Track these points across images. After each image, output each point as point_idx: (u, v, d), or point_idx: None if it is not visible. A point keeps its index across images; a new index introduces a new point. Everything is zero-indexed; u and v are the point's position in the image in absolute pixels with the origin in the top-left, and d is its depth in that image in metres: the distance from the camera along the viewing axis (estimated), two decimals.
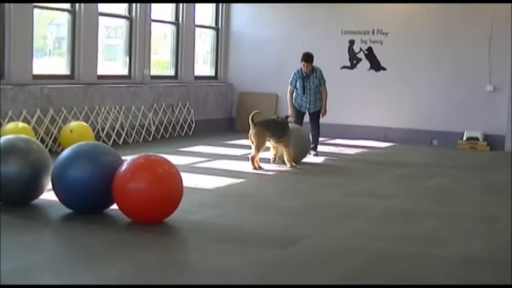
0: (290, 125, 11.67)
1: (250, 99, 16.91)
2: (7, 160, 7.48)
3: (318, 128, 12.88)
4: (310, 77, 12.69)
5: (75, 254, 6.16)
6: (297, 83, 12.74)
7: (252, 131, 11.07)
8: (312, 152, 12.65)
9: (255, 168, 10.98)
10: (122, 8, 14.32)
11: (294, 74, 12.78)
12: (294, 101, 12.82)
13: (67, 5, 12.89)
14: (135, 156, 7.40)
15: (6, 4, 11.54)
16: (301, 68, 12.71)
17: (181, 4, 15.56)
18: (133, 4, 14.24)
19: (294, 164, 11.35)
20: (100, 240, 6.55)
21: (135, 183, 6.99)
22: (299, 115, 12.83)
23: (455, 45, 15.06)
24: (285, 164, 11.31)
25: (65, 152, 7.47)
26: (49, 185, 7.61)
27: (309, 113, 12.84)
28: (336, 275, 5.77)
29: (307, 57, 12.60)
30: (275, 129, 11.27)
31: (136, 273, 5.60)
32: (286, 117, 11.85)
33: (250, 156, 11.09)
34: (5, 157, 7.49)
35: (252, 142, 11.09)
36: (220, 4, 16.97)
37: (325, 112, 12.83)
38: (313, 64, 12.69)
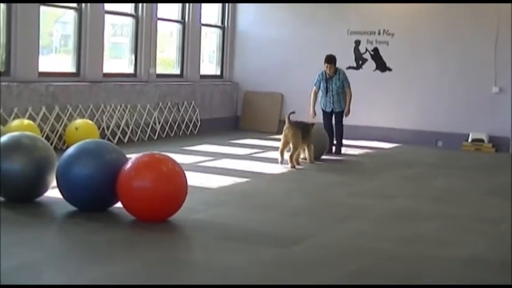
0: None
1: (256, 98, 16.92)
2: (12, 157, 7.50)
3: (341, 128, 13.25)
4: (333, 78, 13.07)
5: (79, 252, 6.17)
6: (321, 84, 13.09)
7: (289, 132, 11.40)
8: (334, 150, 13.09)
9: (293, 166, 11.25)
10: (128, 6, 14.33)
11: (318, 75, 13.18)
12: (320, 101, 13.16)
13: (73, 3, 12.89)
14: (140, 154, 7.41)
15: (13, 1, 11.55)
16: (325, 70, 13.04)
17: (187, 3, 15.57)
18: (140, 2, 14.23)
19: (313, 160, 11.86)
20: (104, 238, 6.56)
21: (139, 181, 7.00)
22: (325, 115, 13.25)
23: (461, 47, 15.05)
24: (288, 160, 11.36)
25: (70, 150, 7.49)
26: (54, 182, 7.63)
27: (334, 113, 13.19)
28: (340, 274, 5.77)
29: (330, 60, 13.00)
30: (304, 131, 11.61)
31: (141, 272, 5.61)
32: (312, 124, 12.03)
33: (289, 155, 11.33)
34: (10, 154, 7.50)
35: (287, 140, 11.40)
36: (227, 3, 16.97)
37: (349, 113, 13.18)
38: (336, 66, 13.07)
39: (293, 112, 11.70)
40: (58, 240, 6.76)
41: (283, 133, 11.51)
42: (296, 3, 16.33)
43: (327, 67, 12.99)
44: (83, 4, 12.86)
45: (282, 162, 11.45)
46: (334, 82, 13.01)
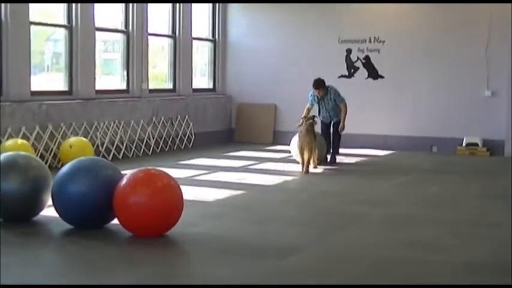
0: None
1: (249, 110, 16.94)
2: (7, 177, 7.49)
3: (338, 138, 13.29)
4: (325, 99, 13.14)
5: (77, 270, 6.15)
6: (314, 103, 13.19)
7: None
8: (329, 159, 13.09)
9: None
10: (118, 23, 14.34)
11: (310, 95, 13.22)
12: (317, 112, 13.27)
13: (63, 21, 12.90)
14: (135, 170, 7.40)
15: (3, 20, 11.56)
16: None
17: (177, 17, 15.59)
18: (130, 18, 14.26)
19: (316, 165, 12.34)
20: (102, 255, 6.54)
21: (135, 197, 6.99)
22: (323, 124, 13.39)
23: (453, 51, 15.09)
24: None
25: (65, 168, 7.48)
26: (49, 201, 7.61)
27: (332, 123, 13.30)
28: (339, 283, 5.75)
29: (317, 85, 13.05)
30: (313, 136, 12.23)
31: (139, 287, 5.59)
32: (313, 117, 12.47)
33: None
34: (5, 174, 7.50)
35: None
36: (217, 15, 17.00)
37: (343, 129, 13.22)
38: (326, 85, 13.09)
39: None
40: (55, 259, 6.73)
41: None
42: (287, 13, 16.37)
43: (316, 92, 13.04)
44: (73, 22, 12.86)
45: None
46: (327, 102, 13.11)
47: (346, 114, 13.09)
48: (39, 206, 7.71)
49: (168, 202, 7.10)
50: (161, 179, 7.24)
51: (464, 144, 14.81)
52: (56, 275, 6.01)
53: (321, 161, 12.72)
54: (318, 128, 12.89)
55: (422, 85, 15.39)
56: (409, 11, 15.41)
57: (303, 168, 11.92)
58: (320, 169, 12.33)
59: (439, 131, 15.17)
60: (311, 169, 12.06)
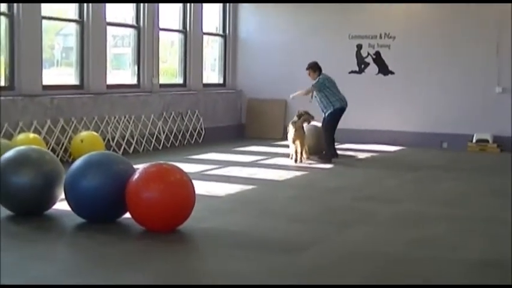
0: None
1: (260, 105, 16.95)
2: (20, 171, 7.54)
3: (326, 135, 12.93)
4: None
5: (90, 265, 6.18)
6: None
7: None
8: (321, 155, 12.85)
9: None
10: (129, 17, 14.38)
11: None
12: None
13: (75, 15, 12.95)
14: (147, 164, 7.43)
15: (16, 15, 11.61)
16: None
17: (188, 12, 15.62)
18: (141, 13, 14.29)
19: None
20: (114, 250, 6.58)
21: (147, 192, 7.02)
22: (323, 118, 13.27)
23: (463, 47, 15.07)
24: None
25: (78, 162, 7.52)
26: (62, 195, 7.66)
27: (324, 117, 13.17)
28: (350, 280, 5.78)
29: (308, 66, 13.16)
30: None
31: (151, 283, 5.62)
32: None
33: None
34: (18, 168, 7.55)
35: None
36: (228, 10, 17.02)
37: (295, 96, 13.30)
38: (323, 72, 13.05)
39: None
40: (69, 253, 6.77)
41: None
42: (297, 9, 16.37)
43: (308, 74, 13.12)
44: (85, 16, 12.91)
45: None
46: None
47: (304, 93, 13.14)
48: (52, 200, 7.76)
49: (180, 197, 7.13)
50: (173, 173, 7.27)
51: (474, 141, 14.79)
52: (68, 269, 6.04)
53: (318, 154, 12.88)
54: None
55: (433, 81, 15.37)
56: (420, 8, 15.39)
57: (293, 157, 12.57)
58: (324, 167, 12.34)
59: (450, 127, 15.15)
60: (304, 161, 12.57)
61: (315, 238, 7.14)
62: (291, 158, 12.64)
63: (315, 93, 13.00)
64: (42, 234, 7.12)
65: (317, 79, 12.95)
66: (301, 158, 12.55)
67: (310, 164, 12.43)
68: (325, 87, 12.87)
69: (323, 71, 13.09)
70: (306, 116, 12.80)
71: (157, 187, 7.05)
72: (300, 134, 12.57)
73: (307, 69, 13.13)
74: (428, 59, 15.39)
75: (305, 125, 12.86)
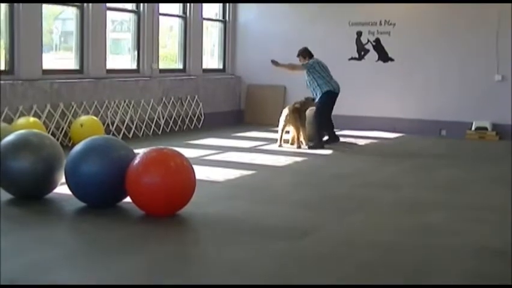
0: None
1: (259, 91, 16.95)
2: (20, 155, 7.55)
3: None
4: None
5: (90, 249, 6.21)
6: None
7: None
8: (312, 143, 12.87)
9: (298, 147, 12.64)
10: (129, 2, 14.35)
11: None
12: None
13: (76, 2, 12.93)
14: (148, 149, 7.44)
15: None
16: None
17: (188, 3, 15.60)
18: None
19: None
20: (113, 233, 6.60)
21: (148, 176, 7.03)
22: None
23: (463, 35, 15.05)
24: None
25: (78, 146, 7.52)
26: (62, 179, 7.67)
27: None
28: (350, 266, 5.80)
29: (298, 53, 13.25)
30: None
31: (150, 266, 5.65)
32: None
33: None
34: (18, 152, 7.56)
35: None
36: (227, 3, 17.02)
37: (275, 63, 13.31)
38: (315, 57, 13.07)
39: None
40: (69, 237, 6.80)
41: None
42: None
43: (299, 60, 13.16)
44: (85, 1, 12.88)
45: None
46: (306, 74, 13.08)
47: (289, 67, 13.30)
48: (52, 184, 7.77)
49: (181, 182, 7.14)
50: (174, 158, 7.28)
51: (473, 128, 14.80)
52: (68, 252, 6.07)
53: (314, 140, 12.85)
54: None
55: (432, 68, 15.36)
56: None
57: (279, 142, 12.74)
58: (324, 153, 12.37)
59: (449, 115, 15.16)
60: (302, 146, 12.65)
61: (315, 224, 7.16)
62: (277, 143, 12.78)
63: (307, 78, 12.96)
64: (43, 218, 7.14)
65: (307, 64, 13.00)
66: (298, 143, 12.60)
67: (309, 150, 12.45)
68: (315, 70, 12.90)
69: (323, 59, 13.10)
70: (302, 101, 12.85)
71: (158, 172, 7.06)
72: (292, 118, 12.59)
73: (297, 55, 13.19)
74: (428, 47, 15.37)
75: (308, 111, 12.88)
